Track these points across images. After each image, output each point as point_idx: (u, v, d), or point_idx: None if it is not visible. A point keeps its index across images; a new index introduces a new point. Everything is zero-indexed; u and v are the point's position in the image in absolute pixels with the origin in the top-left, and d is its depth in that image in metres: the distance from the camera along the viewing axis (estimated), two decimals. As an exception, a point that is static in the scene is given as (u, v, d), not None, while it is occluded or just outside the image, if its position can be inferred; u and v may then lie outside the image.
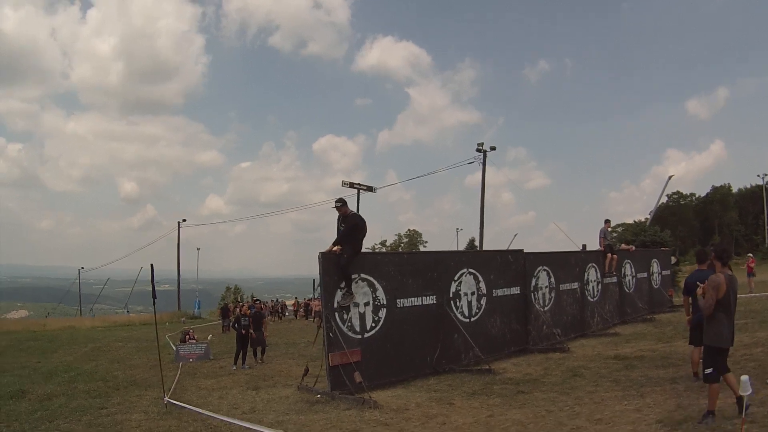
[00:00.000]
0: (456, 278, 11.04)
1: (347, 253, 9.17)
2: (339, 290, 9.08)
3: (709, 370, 5.81)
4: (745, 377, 5.45)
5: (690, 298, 7.79)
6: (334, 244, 9.28)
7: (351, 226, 9.36)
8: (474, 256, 13.71)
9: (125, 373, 14.00)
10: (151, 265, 9.88)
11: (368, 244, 10.81)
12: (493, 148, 36.70)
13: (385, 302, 9.71)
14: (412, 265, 10.53)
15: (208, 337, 19.97)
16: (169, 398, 9.47)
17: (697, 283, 6.79)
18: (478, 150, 36.33)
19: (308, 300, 39.82)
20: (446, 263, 11.11)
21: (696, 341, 7.63)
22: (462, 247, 60.49)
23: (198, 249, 64.83)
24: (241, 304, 21.76)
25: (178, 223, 52.26)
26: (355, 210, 9.92)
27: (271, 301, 42.10)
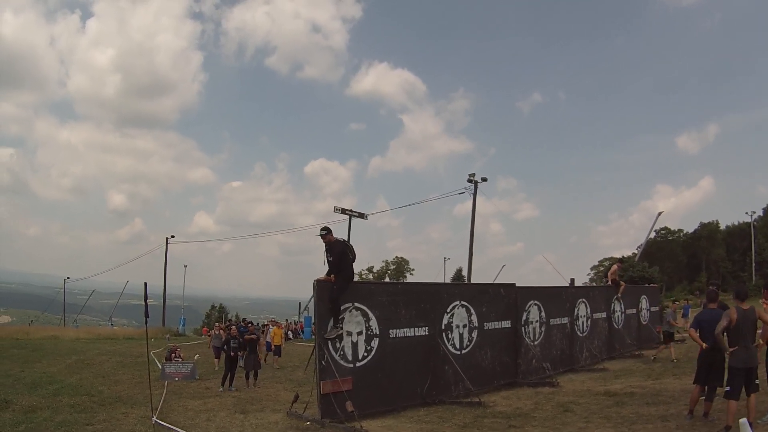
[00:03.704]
0: (449, 310, 11.11)
1: (338, 284, 9.17)
2: (331, 319, 9.10)
3: (727, 388, 6.69)
4: (743, 420, 5.86)
5: (698, 334, 7.79)
6: (328, 274, 9.28)
7: (338, 254, 9.27)
8: (466, 289, 13.78)
9: (110, 389, 13.83)
10: (145, 284, 9.91)
11: (356, 269, 11.00)
12: (484, 179, 36.32)
13: (377, 332, 9.75)
14: (406, 296, 10.56)
15: (195, 357, 19.80)
16: (157, 418, 9.40)
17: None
18: (470, 181, 36.01)
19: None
20: (439, 295, 11.17)
21: (700, 380, 7.70)
22: (449, 276, 60.40)
23: (185, 266, 64.59)
24: (228, 325, 21.57)
25: (166, 239, 52.05)
26: (344, 237, 9.96)
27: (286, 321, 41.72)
